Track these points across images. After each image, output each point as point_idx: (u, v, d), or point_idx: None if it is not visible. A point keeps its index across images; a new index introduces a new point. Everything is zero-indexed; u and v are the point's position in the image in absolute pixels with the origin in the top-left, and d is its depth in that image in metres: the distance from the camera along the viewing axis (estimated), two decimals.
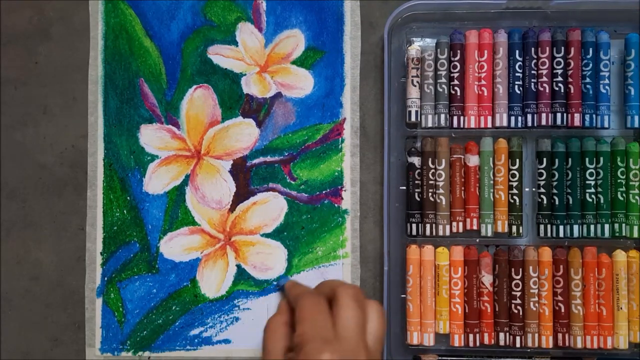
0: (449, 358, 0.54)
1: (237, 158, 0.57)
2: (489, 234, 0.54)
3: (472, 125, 0.54)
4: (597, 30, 0.54)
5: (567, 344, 0.53)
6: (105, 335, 0.56)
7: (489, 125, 0.54)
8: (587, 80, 0.54)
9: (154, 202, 0.57)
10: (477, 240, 0.55)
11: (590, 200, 0.53)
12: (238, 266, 0.56)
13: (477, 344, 0.53)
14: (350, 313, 0.39)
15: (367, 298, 0.43)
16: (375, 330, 0.40)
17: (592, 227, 0.53)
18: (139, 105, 0.57)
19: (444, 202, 0.54)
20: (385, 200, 0.54)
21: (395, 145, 0.55)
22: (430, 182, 0.54)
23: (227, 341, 0.56)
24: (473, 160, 0.54)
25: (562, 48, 0.54)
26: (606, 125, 0.54)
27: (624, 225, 0.53)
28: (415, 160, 0.55)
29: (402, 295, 0.54)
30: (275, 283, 0.55)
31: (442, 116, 0.54)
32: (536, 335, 0.53)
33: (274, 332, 0.41)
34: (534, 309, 0.53)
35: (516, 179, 0.54)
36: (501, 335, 0.53)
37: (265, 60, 0.57)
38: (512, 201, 0.54)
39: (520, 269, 0.53)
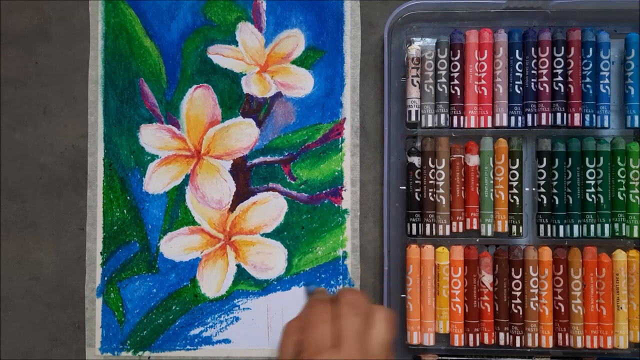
0: (449, 358, 0.54)
1: (237, 158, 0.57)
2: (489, 233, 0.54)
3: (472, 125, 0.54)
4: (597, 30, 0.54)
5: (567, 343, 0.53)
6: (105, 335, 0.56)
7: (489, 125, 0.54)
8: (587, 80, 0.54)
9: (154, 201, 0.57)
10: (477, 240, 0.55)
11: (590, 200, 0.53)
12: (238, 266, 0.56)
13: (477, 343, 0.53)
14: (347, 320, 0.39)
15: (373, 304, 0.42)
16: (379, 337, 0.39)
17: (592, 226, 0.53)
18: (139, 105, 0.57)
19: (444, 202, 0.54)
20: (385, 200, 0.54)
21: (395, 145, 0.55)
22: (430, 182, 0.54)
23: (227, 341, 0.56)
24: (473, 160, 0.54)
25: (562, 48, 0.54)
26: (606, 125, 0.54)
27: (624, 225, 0.53)
28: (415, 160, 0.55)
29: (402, 295, 0.54)
30: (305, 288, 0.55)
31: (442, 116, 0.54)
32: (536, 335, 0.53)
33: (287, 336, 0.41)
34: (534, 308, 0.53)
35: (516, 178, 0.54)
36: (501, 335, 0.53)
37: (265, 60, 0.57)
38: (512, 201, 0.54)
39: (520, 269, 0.53)
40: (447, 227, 0.54)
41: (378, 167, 0.57)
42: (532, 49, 0.54)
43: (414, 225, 0.54)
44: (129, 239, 0.57)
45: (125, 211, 0.57)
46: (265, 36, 0.57)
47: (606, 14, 0.54)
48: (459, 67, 0.54)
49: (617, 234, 0.53)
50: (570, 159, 0.53)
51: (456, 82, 0.54)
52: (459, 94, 0.54)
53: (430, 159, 0.54)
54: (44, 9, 0.58)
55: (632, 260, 0.53)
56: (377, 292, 0.56)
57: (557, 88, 0.54)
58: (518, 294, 0.53)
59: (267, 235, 0.56)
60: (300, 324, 0.41)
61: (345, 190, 0.56)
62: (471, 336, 0.53)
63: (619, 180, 0.53)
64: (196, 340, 0.56)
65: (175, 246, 0.56)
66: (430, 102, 0.54)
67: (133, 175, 0.57)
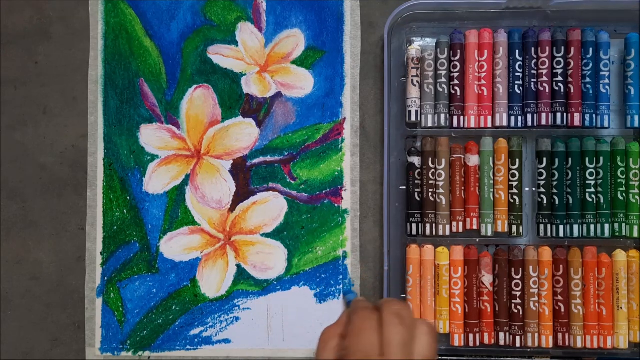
0: (449, 358, 0.54)
1: (237, 158, 0.57)
2: (489, 233, 0.54)
3: (472, 125, 0.54)
4: (597, 30, 0.54)
5: (567, 343, 0.53)
6: (105, 335, 0.56)
7: (489, 125, 0.54)
8: (587, 80, 0.54)
9: (154, 201, 0.57)
10: (477, 240, 0.55)
11: (590, 200, 0.53)
12: (238, 266, 0.56)
13: (477, 343, 0.53)
14: (392, 330, 0.39)
15: (418, 318, 0.42)
16: (423, 350, 0.39)
17: (592, 226, 0.53)
18: (139, 105, 0.57)
19: (444, 202, 0.54)
20: (385, 200, 0.54)
21: (395, 145, 0.55)
22: (430, 182, 0.54)
23: (227, 341, 0.56)
24: (473, 160, 0.54)
25: (562, 48, 0.54)
26: (606, 125, 0.54)
27: (624, 225, 0.53)
28: (415, 160, 0.55)
29: (402, 295, 0.54)
30: (343, 296, 0.55)
31: (442, 116, 0.54)
32: (536, 335, 0.53)
33: (326, 342, 0.41)
34: (534, 308, 0.53)
35: (516, 178, 0.54)
36: (501, 335, 0.53)
37: (265, 60, 0.57)
38: (512, 201, 0.54)
39: (520, 269, 0.53)
40: (447, 227, 0.54)
41: (378, 167, 0.57)
42: (532, 49, 0.54)
43: (414, 225, 0.54)
44: (129, 239, 0.57)
45: (125, 211, 0.57)
46: (265, 36, 0.57)
47: (606, 14, 0.54)
48: (459, 67, 0.54)
49: (617, 234, 0.53)
50: (570, 159, 0.53)
51: (456, 82, 0.54)
52: (459, 94, 0.54)
53: (430, 159, 0.54)
54: (44, 9, 0.58)
55: (632, 260, 0.53)
56: (377, 292, 0.56)
57: (557, 88, 0.54)
58: (518, 294, 0.53)
59: (267, 235, 0.56)
60: (340, 330, 0.41)
61: (345, 190, 0.56)
62: (471, 336, 0.53)
63: (619, 180, 0.53)
64: (196, 340, 0.56)
65: (175, 246, 0.56)
66: (430, 102, 0.54)
67: (133, 175, 0.57)
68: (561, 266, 0.53)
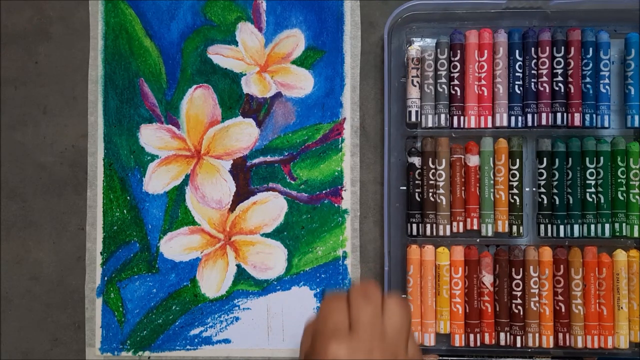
0: (449, 358, 0.54)
1: (237, 158, 0.57)
2: (490, 233, 0.54)
3: (472, 125, 0.54)
4: (597, 29, 0.54)
5: (567, 343, 0.53)
6: (105, 335, 0.56)
7: (489, 125, 0.54)
8: (587, 80, 0.54)
9: (154, 201, 0.57)
10: (478, 240, 0.55)
11: (591, 200, 0.53)
12: (238, 266, 0.56)
13: (478, 344, 0.53)
14: (359, 307, 0.40)
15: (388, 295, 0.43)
16: (394, 323, 0.40)
17: (592, 226, 0.53)
18: (139, 105, 0.57)
19: (444, 202, 0.54)
20: (385, 200, 0.54)
21: (395, 145, 0.55)
22: (431, 182, 0.54)
23: (227, 341, 0.56)
24: (473, 160, 0.54)
25: (562, 48, 0.54)
26: (606, 124, 0.54)
27: (624, 224, 0.53)
28: (416, 160, 0.54)
29: (403, 296, 0.54)
30: (324, 292, 0.56)
31: (442, 116, 0.54)
32: (537, 335, 0.53)
33: (306, 331, 0.43)
34: (535, 308, 0.53)
35: (516, 178, 0.54)
36: (502, 335, 0.53)
37: (265, 60, 0.57)
38: (512, 201, 0.54)
39: (521, 269, 0.53)
40: (448, 227, 0.54)
41: (378, 167, 0.57)
42: (532, 49, 0.54)
43: (414, 226, 0.54)
44: (129, 239, 0.57)
45: (125, 211, 0.57)
46: (265, 36, 0.57)
47: (606, 13, 0.54)
48: (459, 67, 0.54)
49: (618, 233, 0.53)
50: (570, 159, 0.53)
51: (456, 82, 0.54)
52: (459, 94, 0.54)
53: (430, 159, 0.54)
54: (44, 9, 0.58)
55: (632, 260, 0.53)
56: None
57: (557, 88, 0.54)
58: (519, 294, 0.53)
59: (267, 235, 0.56)
60: (316, 318, 0.42)
61: (345, 190, 0.56)
62: (472, 336, 0.53)
63: (619, 180, 0.53)
64: (196, 340, 0.56)
65: (175, 246, 0.56)
66: (430, 102, 0.54)
67: (133, 175, 0.57)
68: (562, 266, 0.53)
